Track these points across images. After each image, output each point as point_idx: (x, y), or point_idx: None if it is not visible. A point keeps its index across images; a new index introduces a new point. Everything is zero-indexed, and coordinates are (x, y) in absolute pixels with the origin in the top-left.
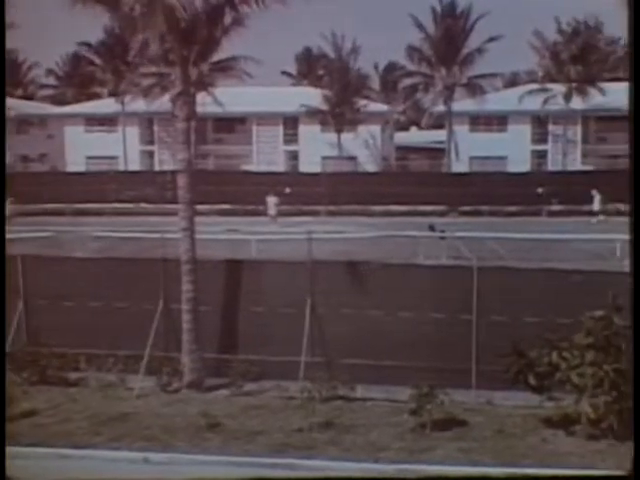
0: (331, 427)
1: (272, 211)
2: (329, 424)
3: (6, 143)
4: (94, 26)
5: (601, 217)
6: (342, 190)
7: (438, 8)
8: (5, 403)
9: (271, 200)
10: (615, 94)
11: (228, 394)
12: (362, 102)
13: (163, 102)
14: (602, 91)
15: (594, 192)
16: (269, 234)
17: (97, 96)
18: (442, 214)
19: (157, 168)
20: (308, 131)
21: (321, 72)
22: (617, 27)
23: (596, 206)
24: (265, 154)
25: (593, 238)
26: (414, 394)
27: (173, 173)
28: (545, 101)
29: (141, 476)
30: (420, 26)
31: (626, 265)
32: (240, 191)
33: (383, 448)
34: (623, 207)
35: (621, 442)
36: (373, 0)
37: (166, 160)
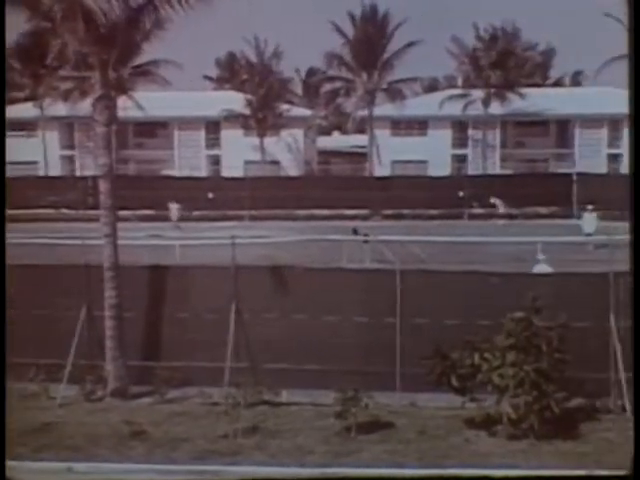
0: (256, 432)
1: (174, 217)
2: (254, 429)
3: (6, 144)
4: (11, 28)
5: (502, 221)
6: (265, 194)
7: (358, 13)
8: (5, 404)
9: (173, 206)
10: (532, 99)
11: (152, 401)
12: (284, 106)
13: (83, 106)
14: (522, 95)
15: (494, 200)
16: (192, 239)
17: (15, 100)
18: (365, 218)
19: (78, 173)
20: (230, 135)
21: (244, 76)
22: (533, 33)
23: (500, 209)
24: (187, 159)
25: (513, 240)
26: (339, 398)
27: (94, 178)
28: (465, 106)
29: None
30: (340, 31)
31: (543, 265)
32: (162, 196)
33: (309, 452)
34: (543, 210)
35: (542, 441)
36: (295, 4)
37: (87, 165)
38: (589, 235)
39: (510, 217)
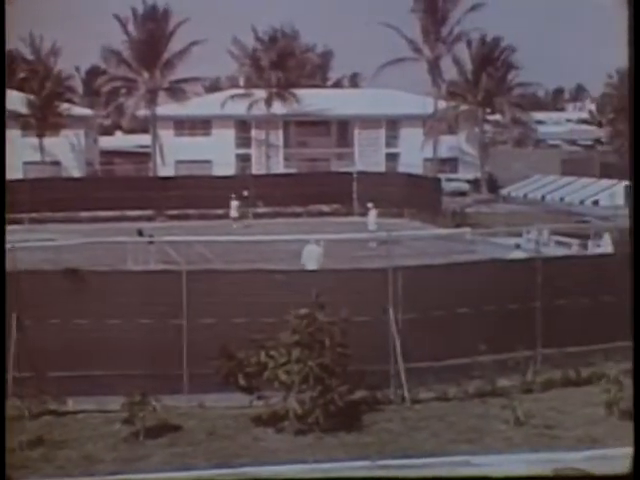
0: (43, 444)
1: None
2: (40, 441)
3: (6, 144)
4: None
5: (237, 224)
6: (46, 196)
7: (140, 11)
8: (5, 405)
9: None
10: (313, 99)
11: None
12: (65, 105)
13: None
14: (296, 97)
15: (233, 197)
16: None
17: None
18: (150, 218)
19: None
20: (8, 136)
21: (21, 75)
22: (312, 35)
23: (233, 212)
24: None
25: (297, 239)
26: (126, 403)
27: None
28: (249, 106)
29: None
30: (124, 28)
31: (312, 246)
32: None
33: (97, 460)
34: (326, 208)
35: (327, 434)
36: (74, 2)
37: None
38: (372, 232)
39: (294, 215)
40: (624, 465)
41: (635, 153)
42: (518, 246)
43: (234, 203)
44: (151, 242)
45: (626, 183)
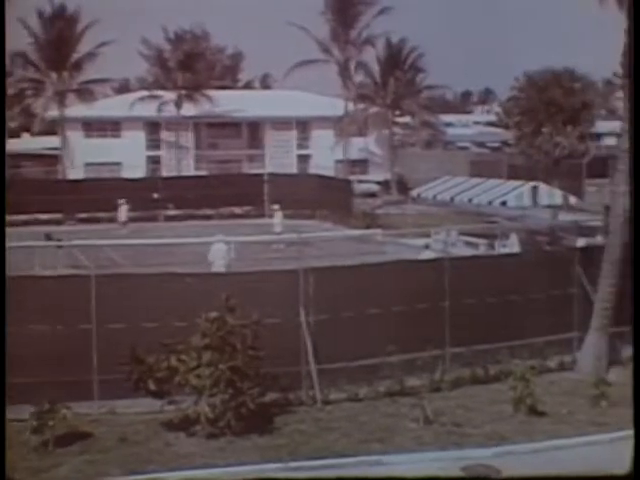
0: None
1: None
2: None
3: (6, 144)
4: None
5: (124, 230)
6: None
7: (47, 11)
8: (5, 404)
9: None
10: (223, 100)
11: None
12: None
13: None
14: (209, 98)
15: (121, 201)
16: None
17: None
18: (59, 222)
19: None
20: None
21: None
22: (222, 37)
23: (122, 216)
24: None
25: (209, 241)
26: (34, 411)
27: None
28: (159, 108)
29: None
30: (30, 29)
31: (220, 244)
32: None
33: (7, 470)
34: (238, 210)
35: (239, 437)
36: None
37: None
38: (280, 234)
39: (205, 218)
40: (531, 461)
41: (635, 153)
42: (427, 247)
43: (123, 207)
44: (60, 246)
45: (533, 184)
